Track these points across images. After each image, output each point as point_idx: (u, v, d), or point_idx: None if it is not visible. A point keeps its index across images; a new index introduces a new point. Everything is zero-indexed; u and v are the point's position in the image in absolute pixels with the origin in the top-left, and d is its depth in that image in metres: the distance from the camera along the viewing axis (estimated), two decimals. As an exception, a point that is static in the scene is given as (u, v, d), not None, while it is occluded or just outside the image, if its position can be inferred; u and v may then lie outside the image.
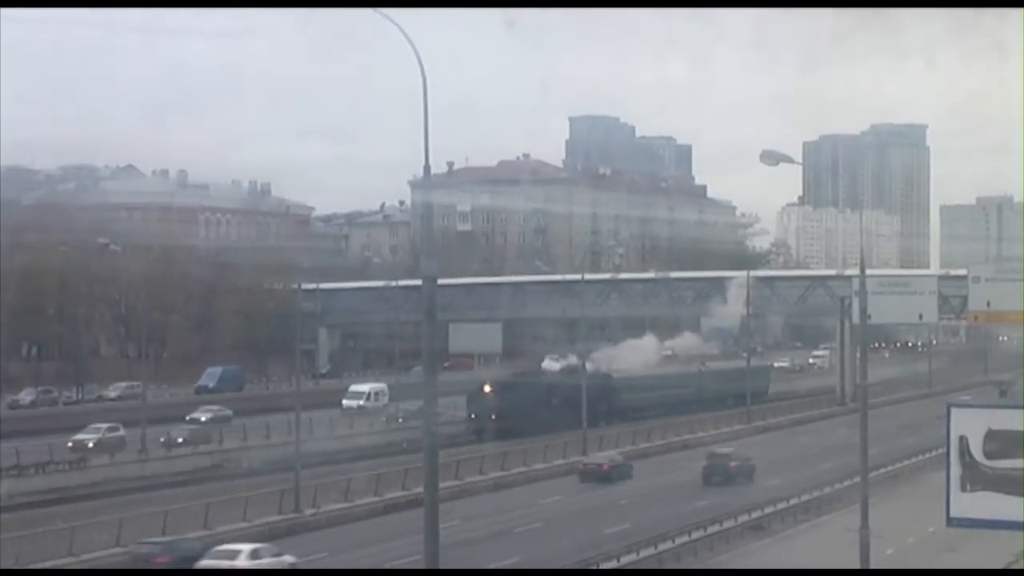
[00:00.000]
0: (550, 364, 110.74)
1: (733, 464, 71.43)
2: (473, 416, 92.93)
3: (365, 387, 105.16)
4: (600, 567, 45.37)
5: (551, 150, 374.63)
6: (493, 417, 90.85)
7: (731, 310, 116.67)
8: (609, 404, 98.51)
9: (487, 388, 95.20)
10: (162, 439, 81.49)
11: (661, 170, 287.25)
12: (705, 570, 46.66)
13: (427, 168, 22.54)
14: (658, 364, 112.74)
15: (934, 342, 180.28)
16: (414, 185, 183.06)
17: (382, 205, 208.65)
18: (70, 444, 78.96)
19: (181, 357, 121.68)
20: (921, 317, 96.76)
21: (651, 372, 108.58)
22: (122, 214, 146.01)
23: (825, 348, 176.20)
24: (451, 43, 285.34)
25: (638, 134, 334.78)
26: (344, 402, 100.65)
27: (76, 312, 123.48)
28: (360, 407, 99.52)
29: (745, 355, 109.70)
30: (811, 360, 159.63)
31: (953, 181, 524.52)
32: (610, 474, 71.53)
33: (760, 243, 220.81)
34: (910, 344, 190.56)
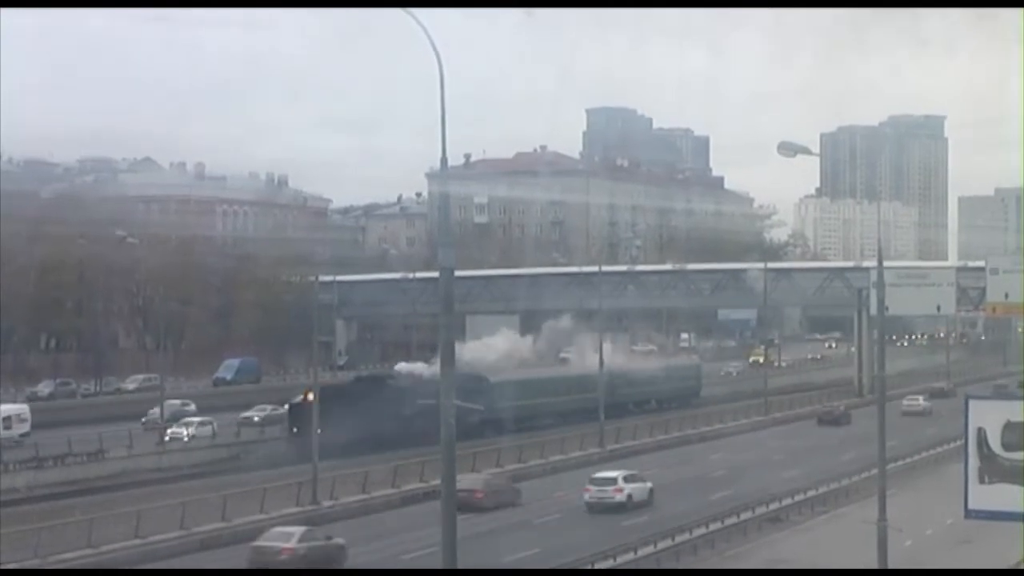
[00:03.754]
0: (407, 366, 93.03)
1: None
2: (295, 430, 77.50)
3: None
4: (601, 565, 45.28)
5: (568, 142, 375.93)
6: (319, 431, 70.27)
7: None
8: (484, 413, 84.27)
9: (311, 396, 75.47)
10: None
11: (678, 162, 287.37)
12: (705, 570, 46.50)
13: (444, 160, 22.52)
14: (555, 364, 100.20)
15: (954, 333, 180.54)
16: (431, 177, 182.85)
17: (399, 197, 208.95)
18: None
19: (199, 349, 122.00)
20: (939, 309, 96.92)
21: (541, 373, 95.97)
22: (140, 206, 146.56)
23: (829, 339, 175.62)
24: (468, 35, 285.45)
25: (655, 126, 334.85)
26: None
27: (94, 304, 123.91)
28: None
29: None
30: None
31: (971, 172, 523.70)
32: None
33: (778, 235, 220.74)
34: (926, 335, 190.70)
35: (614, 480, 60.03)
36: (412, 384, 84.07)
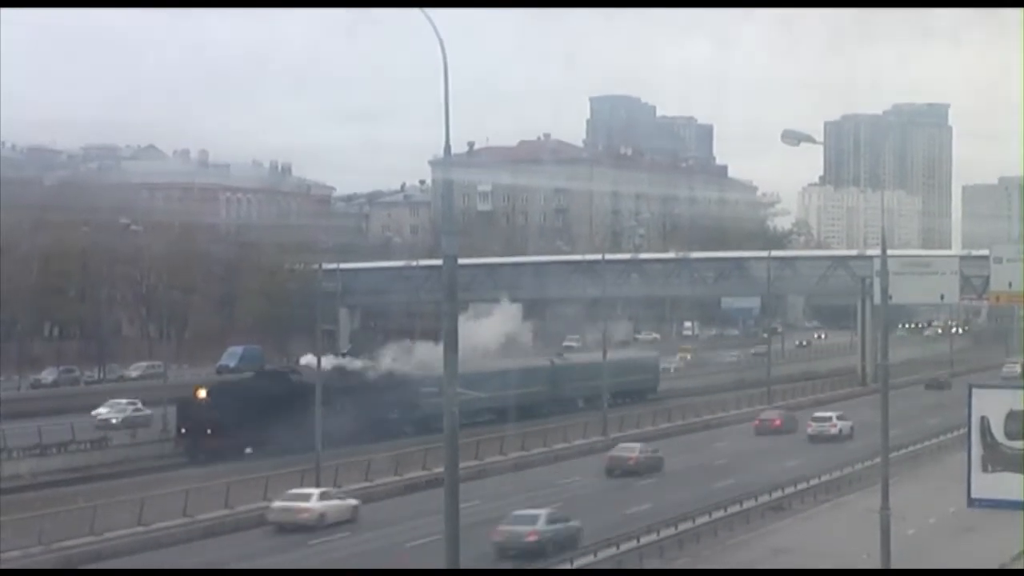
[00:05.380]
0: (328, 360, 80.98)
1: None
2: (183, 431, 72.46)
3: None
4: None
5: (572, 130, 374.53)
6: (208, 432, 70.24)
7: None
8: (407, 411, 78.96)
9: (202, 392, 74.17)
10: None
11: (682, 150, 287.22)
12: (705, 570, 46.47)
13: (448, 148, 22.46)
14: (496, 356, 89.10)
15: (952, 323, 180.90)
16: (435, 165, 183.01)
17: (403, 185, 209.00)
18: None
19: (202, 337, 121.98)
20: (943, 297, 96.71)
21: (475, 367, 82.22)
22: (144, 194, 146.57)
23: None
24: (472, 23, 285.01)
25: (659, 114, 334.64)
26: None
27: (98, 292, 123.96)
28: None
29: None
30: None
31: (975, 161, 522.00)
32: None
33: (781, 223, 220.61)
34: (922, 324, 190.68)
35: (829, 418, 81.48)
36: (314, 379, 76.06)
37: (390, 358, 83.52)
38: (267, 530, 52.00)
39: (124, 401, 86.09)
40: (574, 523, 48.23)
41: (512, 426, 73.96)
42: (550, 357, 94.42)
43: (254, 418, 70.32)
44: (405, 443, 69.63)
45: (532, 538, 46.42)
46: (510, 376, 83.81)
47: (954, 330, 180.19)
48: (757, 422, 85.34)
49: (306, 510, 51.98)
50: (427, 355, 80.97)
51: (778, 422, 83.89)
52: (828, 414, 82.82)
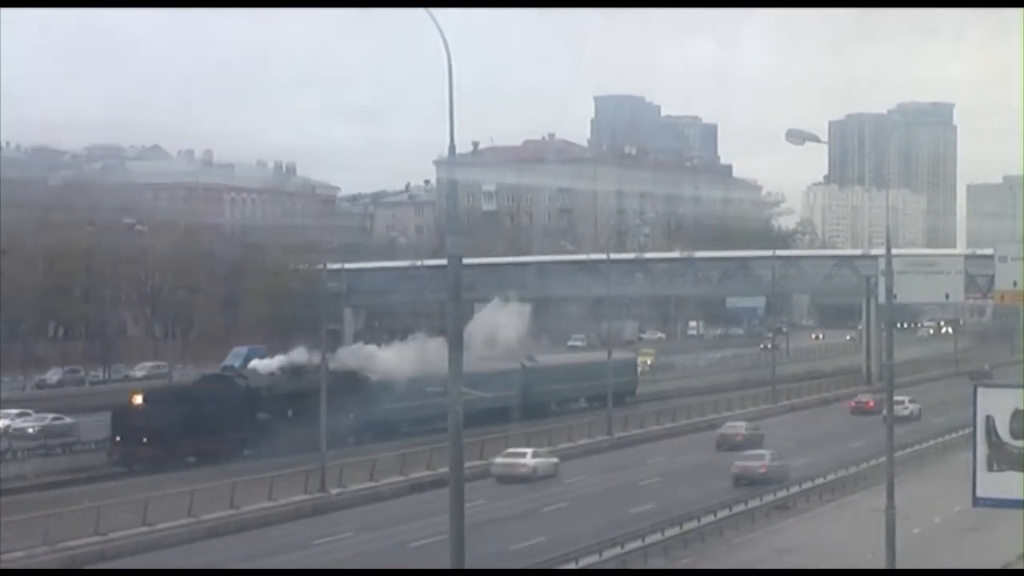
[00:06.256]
0: (266, 363, 79.01)
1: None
2: (118, 439, 67.48)
3: None
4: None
5: (577, 130, 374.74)
6: (144, 441, 66.28)
7: None
8: (363, 415, 73.89)
9: (138, 399, 70.74)
10: None
11: (687, 150, 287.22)
12: (709, 570, 46.51)
13: (452, 147, 22.44)
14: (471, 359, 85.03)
15: (943, 323, 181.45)
16: (439, 164, 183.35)
17: (407, 185, 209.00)
18: None
19: (207, 337, 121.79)
20: (947, 297, 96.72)
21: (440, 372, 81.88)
22: (148, 194, 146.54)
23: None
24: (476, 22, 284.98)
25: (664, 113, 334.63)
26: None
27: (102, 292, 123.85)
28: None
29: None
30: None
31: (980, 160, 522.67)
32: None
33: (786, 222, 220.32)
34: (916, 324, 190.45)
35: (902, 401, 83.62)
36: (267, 384, 74.02)
37: (350, 358, 79.22)
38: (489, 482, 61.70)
39: (15, 411, 79.42)
40: (786, 463, 61.54)
41: (516, 426, 73.88)
42: (520, 360, 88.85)
43: (194, 426, 67.41)
44: (407, 443, 69.54)
45: (763, 470, 60.90)
46: (477, 380, 72.05)
47: (944, 330, 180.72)
48: (853, 403, 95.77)
49: (523, 465, 63.60)
50: (391, 355, 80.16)
51: (871, 404, 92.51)
52: (901, 398, 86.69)
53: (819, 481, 60.03)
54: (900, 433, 66.76)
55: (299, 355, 76.27)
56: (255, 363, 78.75)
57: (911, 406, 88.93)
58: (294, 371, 75.47)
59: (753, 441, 74.00)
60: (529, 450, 65.53)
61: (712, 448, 75.12)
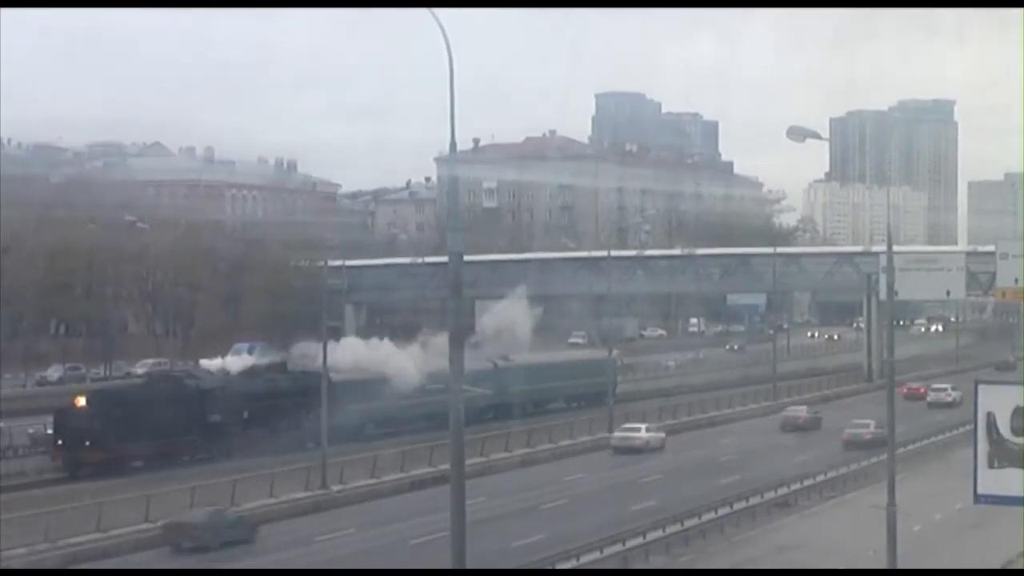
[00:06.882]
0: (231, 361, 77.19)
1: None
2: (60, 443, 64.69)
3: None
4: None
5: (577, 127, 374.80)
6: (87, 444, 63.41)
7: None
8: (321, 417, 64.18)
9: (80, 401, 67.36)
10: None
11: (688, 147, 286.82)
12: (711, 570, 46.54)
13: (453, 144, 22.49)
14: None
15: (936, 325, 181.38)
16: (440, 161, 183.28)
17: (408, 182, 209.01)
18: None
19: (208, 334, 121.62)
20: (949, 293, 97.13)
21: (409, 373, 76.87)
22: (149, 191, 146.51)
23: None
24: (477, 20, 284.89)
25: (665, 110, 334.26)
26: None
27: (104, 289, 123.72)
28: None
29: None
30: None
31: (981, 157, 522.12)
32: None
33: (787, 219, 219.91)
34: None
35: (945, 388, 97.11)
36: (219, 384, 71.04)
37: (306, 357, 73.55)
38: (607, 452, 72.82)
39: None
40: (884, 429, 61.33)
41: (517, 423, 74.03)
42: (493, 359, 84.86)
43: (139, 428, 64.48)
44: (408, 441, 69.50)
45: (868, 436, 69.49)
46: (444, 380, 71.17)
47: (933, 328, 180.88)
48: (905, 390, 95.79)
49: (638, 438, 73.87)
50: (352, 353, 77.73)
51: (922, 390, 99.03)
52: (944, 385, 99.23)
53: (820, 478, 59.97)
54: (942, 418, 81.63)
55: (304, 349, 74.41)
56: (228, 359, 76.66)
57: (954, 393, 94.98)
58: (249, 372, 73.41)
59: (812, 423, 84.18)
60: (643, 425, 76.04)
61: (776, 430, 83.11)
